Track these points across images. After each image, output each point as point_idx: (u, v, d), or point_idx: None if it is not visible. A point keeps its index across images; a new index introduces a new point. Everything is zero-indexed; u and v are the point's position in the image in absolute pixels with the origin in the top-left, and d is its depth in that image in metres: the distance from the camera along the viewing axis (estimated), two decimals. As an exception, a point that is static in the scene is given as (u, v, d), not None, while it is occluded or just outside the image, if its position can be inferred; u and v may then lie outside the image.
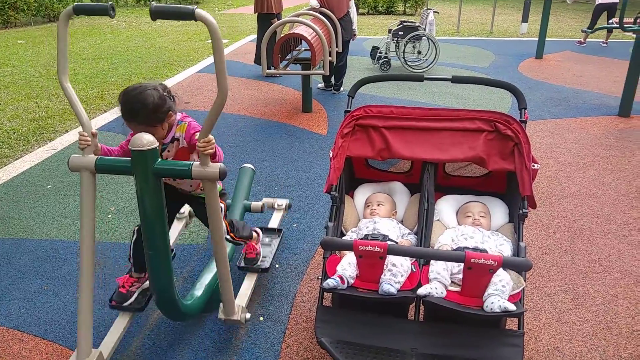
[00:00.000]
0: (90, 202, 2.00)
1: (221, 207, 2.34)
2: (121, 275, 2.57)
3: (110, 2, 1.86)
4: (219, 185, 2.42)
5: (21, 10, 13.88)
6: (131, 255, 2.45)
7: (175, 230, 3.08)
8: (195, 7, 1.67)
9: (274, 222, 3.28)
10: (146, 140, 1.84)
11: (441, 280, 1.98)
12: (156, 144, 1.87)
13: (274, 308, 2.73)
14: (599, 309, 2.73)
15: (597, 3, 10.71)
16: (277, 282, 2.94)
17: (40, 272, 3.04)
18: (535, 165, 2.24)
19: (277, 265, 3.10)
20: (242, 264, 2.74)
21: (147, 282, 2.45)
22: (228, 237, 2.53)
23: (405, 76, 2.53)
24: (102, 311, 2.70)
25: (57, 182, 4.26)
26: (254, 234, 2.78)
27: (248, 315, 2.40)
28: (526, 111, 2.39)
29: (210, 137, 1.87)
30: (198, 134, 1.94)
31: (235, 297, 2.38)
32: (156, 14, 1.67)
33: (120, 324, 2.36)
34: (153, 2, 1.71)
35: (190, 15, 1.65)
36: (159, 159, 1.90)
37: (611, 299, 2.81)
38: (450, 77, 2.47)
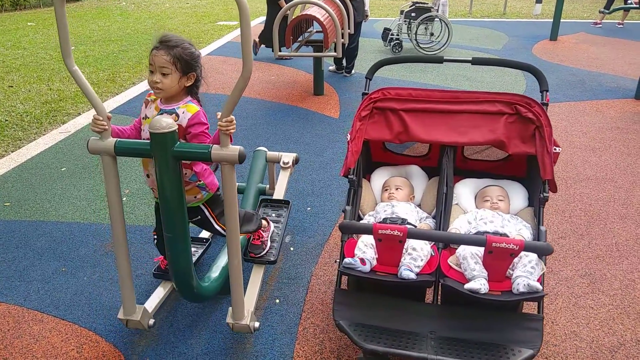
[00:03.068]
0: (114, 184, 2.04)
1: (208, 218, 2.31)
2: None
3: None
4: (209, 193, 2.27)
5: (30, -8, 13.84)
6: (158, 249, 2.56)
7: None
8: None
9: (280, 188, 3.09)
10: (165, 123, 1.83)
11: (482, 275, 1.95)
12: (175, 127, 1.85)
13: (289, 290, 2.74)
14: (616, 294, 2.71)
15: None
16: (293, 265, 2.95)
17: (57, 253, 3.07)
18: (557, 148, 2.20)
19: (291, 249, 3.10)
20: (247, 255, 2.59)
21: None
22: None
23: (424, 58, 2.49)
24: (118, 293, 2.72)
25: (71, 164, 4.28)
26: (264, 223, 2.69)
27: (257, 324, 2.27)
28: (547, 93, 2.35)
29: (232, 116, 1.85)
30: (201, 124, 2.00)
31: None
32: None
33: (163, 288, 2.53)
34: None
35: None
36: (178, 142, 1.89)
37: (628, 283, 2.79)
38: (471, 58, 2.43)
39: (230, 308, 2.21)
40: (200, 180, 2.20)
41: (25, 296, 2.70)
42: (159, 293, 2.52)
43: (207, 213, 2.30)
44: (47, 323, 2.51)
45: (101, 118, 1.93)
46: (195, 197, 2.23)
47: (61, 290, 2.74)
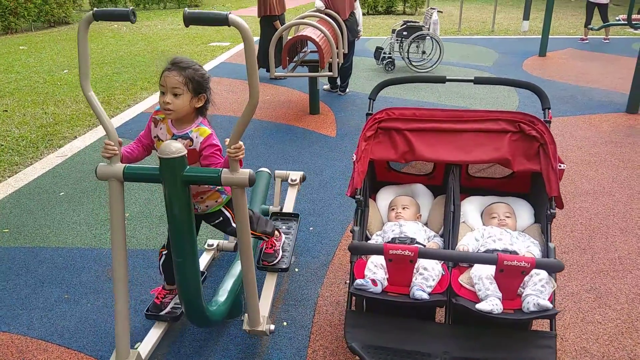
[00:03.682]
0: (119, 210, 2.00)
1: (229, 218, 2.38)
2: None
3: (131, 8, 1.84)
4: (227, 196, 2.35)
5: (21, 16, 13.86)
6: (161, 270, 2.48)
7: (203, 260, 3.05)
8: (228, 12, 1.67)
9: (289, 202, 3.25)
10: (175, 147, 1.83)
11: (496, 295, 1.94)
12: (184, 152, 1.86)
13: (297, 313, 2.72)
14: (623, 308, 2.72)
15: None
16: (298, 286, 2.93)
17: (59, 280, 3.02)
18: (561, 165, 2.22)
19: (296, 270, 3.09)
20: (260, 263, 2.69)
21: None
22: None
23: (427, 78, 2.52)
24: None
25: (69, 189, 4.25)
26: (276, 233, 2.78)
27: (272, 327, 2.35)
28: (550, 111, 2.38)
29: (241, 143, 1.86)
30: (212, 145, 2.01)
31: None
32: (189, 20, 1.66)
33: (158, 329, 2.41)
34: (186, 9, 1.69)
35: (224, 21, 1.64)
36: (187, 167, 1.89)
37: (634, 297, 2.80)
38: (473, 78, 2.46)
39: (245, 315, 2.29)
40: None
41: (28, 325, 2.65)
42: (153, 336, 2.40)
43: (227, 214, 2.39)
44: (51, 352, 2.47)
45: (112, 143, 1.94)
46: (216, 201, 2.33)
47: (65, 318, 2.70)
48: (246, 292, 2.18)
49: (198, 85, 2.06)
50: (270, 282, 2.65)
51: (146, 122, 2.24)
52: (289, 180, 3.36)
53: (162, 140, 2.12)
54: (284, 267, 2.70)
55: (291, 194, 3.33)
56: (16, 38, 13.00)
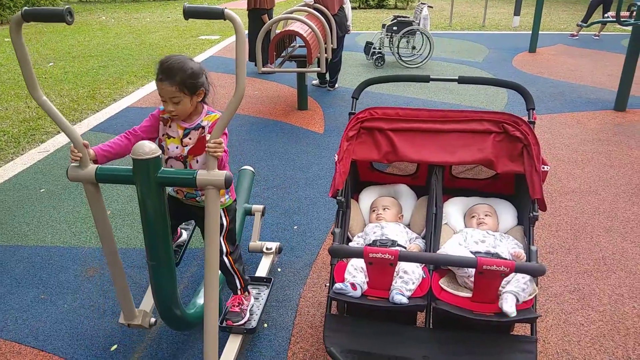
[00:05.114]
0: (100, 210, 1.99)
1: (223, 225, 2.24)
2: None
3: (67, 7, 1.73)
4: (230, 199, 2.29)
5: (7, 7, 13.63)
6: None
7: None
8: (224, 7, 1.72)
9: (263, 268, 2.91)
10: (148, 148, 1.78)
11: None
12: (159, 152, 1.81)
13: (277, 314, 2.68)
14: (606, 309, 2.71)
15: None
16: (280, 287, 2.89)
17: (36, 280, 2.96)
18: (545, 167, 2.20)
19: (279, 269, 3.04)
20: (224, 323, 2.35)
21: (180, 238, 2.55)
22: (225, 259, 2.28)
23: (411, 77, 2.47)
24: (100, 321, 2.63)
25: (50, 185, 4.17)
26: (249, 289, 2.50)
27: None
28: (534, 112, 2.35)
29: (221, 139, 1.81)
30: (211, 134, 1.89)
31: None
32: (189, 14, 1.73)
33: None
34: (186, 3, 1.74)
35: (220, 15, 1.72)
36: (162, 168, 1.84)
37: (617, 298, 2.79)
38: (457, 77, 2.42)
39: None
40: None
41: (2, 327, 2.59)
42: (150, 295, 2.41)
43: (224, 221, 2.24)
44: (25, 355, 2.41)
45: (76, 151, 1.87)
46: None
47: (40, 320, 2.64)
48: (205, 318, 1.98)
49: (193, 85, 2.05)
50: (233, 344, 2.32)
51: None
52: (264, 249, 3.01)
53: (174, 137, 2.14)
54: (250, 327, 2.37)
55: (265, 262, 2.96)
56: (1, 30, 12.78)
